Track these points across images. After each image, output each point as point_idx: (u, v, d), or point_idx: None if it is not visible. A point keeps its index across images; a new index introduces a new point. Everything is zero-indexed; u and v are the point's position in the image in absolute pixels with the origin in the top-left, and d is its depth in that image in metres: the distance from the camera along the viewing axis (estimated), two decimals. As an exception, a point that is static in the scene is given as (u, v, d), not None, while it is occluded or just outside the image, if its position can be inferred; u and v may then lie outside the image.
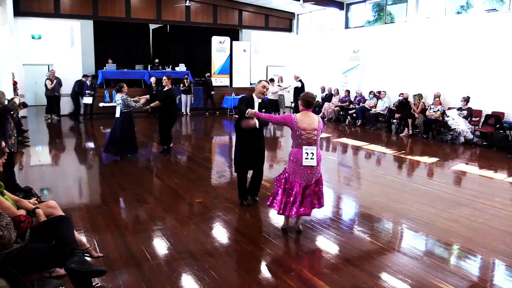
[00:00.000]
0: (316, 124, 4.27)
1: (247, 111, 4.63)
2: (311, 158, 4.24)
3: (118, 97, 7.93)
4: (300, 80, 12.88)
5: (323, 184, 4.56)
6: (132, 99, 8.04)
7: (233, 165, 5.72)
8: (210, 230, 4.64)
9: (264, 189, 6.22)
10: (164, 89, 8.54)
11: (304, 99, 4.33)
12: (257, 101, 5.22)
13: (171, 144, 8.91)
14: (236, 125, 5.28)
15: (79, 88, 13.47)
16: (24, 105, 6.81)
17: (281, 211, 4.37)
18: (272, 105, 13.48)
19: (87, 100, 13.49)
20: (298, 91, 12.86)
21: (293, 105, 17.90)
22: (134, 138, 8.35)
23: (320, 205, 4.53)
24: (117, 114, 8.02)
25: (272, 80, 13.79)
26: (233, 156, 5.92)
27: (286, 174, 4.40)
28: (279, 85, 16.56)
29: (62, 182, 6.43)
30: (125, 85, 8.03)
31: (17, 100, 6.01)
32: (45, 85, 13.60)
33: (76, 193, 6.10)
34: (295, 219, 4.55)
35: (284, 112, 16.62)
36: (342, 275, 3.62)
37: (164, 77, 8.38)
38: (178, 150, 9.61)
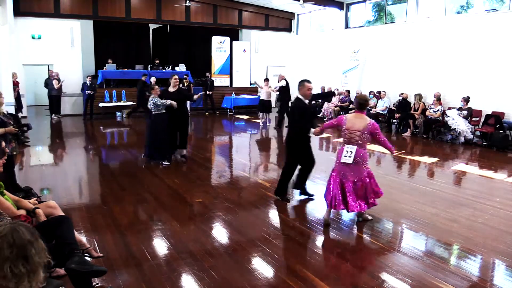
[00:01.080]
0: (361, 126, 4.51)
1: (313, 132, 5.21)
2: (349, 156, 4.53)
3: (150, 100, 7.42)
4: (285, 80, 12.48)
5: (370, 184, 4.71)
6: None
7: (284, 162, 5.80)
8: (210, 230, 4.64)
9: (263, 189, 6.22)
10: (174, 90, 7.75)
11: (356, 101, 4.70)
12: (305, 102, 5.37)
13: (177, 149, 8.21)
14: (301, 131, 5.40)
15: (145, 87, 13.29)
16: (28, 127, 6.52)
17: (329, 204, 4.69)
18: (266, 106, 13.14)
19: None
20: (284, 91, 12.50)
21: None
22: (167, 143, 7.58)
23: (370, 204, 4.71)
24: (152, 118, 7.51)
25: (266, 80, 13.61)
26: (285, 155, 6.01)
27: (332, 173, 4.77)
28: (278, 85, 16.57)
29: (62, 182, 6.43)
30: (156, 86, 7.60)
31: (2, 130, 5.00)
32: (48, 84, 13.61)
33: (76, 193, 6.10)
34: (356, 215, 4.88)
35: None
36: (342, 275, 3.62)
37: (175, 77, 7.73)
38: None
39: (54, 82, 13.46)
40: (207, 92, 15.80)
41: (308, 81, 5.36)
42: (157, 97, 7.38)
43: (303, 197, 5.78)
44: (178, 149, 8.01)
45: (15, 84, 12.46)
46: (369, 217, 4.92)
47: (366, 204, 4.68)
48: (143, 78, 13.84)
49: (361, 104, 4.63)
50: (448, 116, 10.66)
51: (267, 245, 4.18)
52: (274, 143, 11.37)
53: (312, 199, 5.71)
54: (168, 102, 7.39)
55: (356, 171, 4.59)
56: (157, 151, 7.54)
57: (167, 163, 7.53)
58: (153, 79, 14.81)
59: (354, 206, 4.57)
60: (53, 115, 13.96)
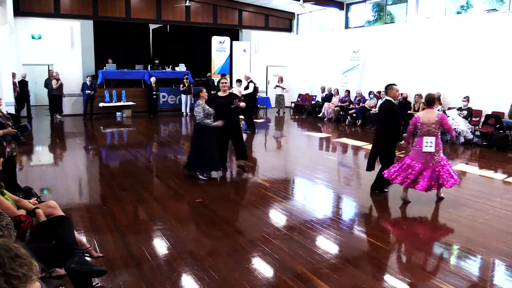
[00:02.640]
0: (434, 119, 5.30)
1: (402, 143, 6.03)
2: (430, 146, 5.29)
3: (197, 105, 6.49)
4: (252, 81, 12.11)
5: (447, 168, 5.40)
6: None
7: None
8: (210, 230, 4.64)
9: (263, 189, 6.22)
10: (225, 94, 6.95)
11: (425, 99, 5.56)
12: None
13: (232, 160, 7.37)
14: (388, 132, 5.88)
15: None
16: (26, 128, 6.22)
17: (390, 178, 5.49)
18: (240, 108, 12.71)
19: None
20: (250, 94, 11.97)
21: (293, 105, 17.93)
22: (215, 154, 6.64)
23: (449, 185, 5.40)
24: (198, 126, 6.59)
25: (239, 81, 13.12)
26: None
27: (409, 160, 5.45)
28: (278, 86, 16.58)
29: (62, 182, 6.43)
30: (204, 89, 6.73)
31: (1, 132, 4.97)
32: (48, 84, 13.63)
33: (76, 193, 6.10)
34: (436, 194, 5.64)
35: (284, 112, 16.65)
36: (342, 275, 3.61)
37: (224, 80, 7.05)
38: (178, 150, 9.62)
39: (53, 82, 13.47)
40: (212, 92, 15.78)
41: (395, 84, 5.96)
42: (204, 103, 6.42)
43: (305, 197, 5.78)
44: (237, 160, 7.34)
45: (15, 85, 12.46)
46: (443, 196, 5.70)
47: (441, 185, 5.43)
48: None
49: (429, 101, 5.50)
50: (448, 116, 10.65)
51: (267, 245, 4.18)
52: (274, 143, 11.37)
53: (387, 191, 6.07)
54: (215, 122, 6.44)
55: (436, 158, 5.33)
56: (204, 162, 6.53)
57: (215, 176, 6.63)
58: (153, 79, 14.85)
59: (423, 187, 5.29)
60: (56, 115, 13.98)
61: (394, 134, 5.89)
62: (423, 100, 11.90)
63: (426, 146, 5.30)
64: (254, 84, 12.47)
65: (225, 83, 6.96)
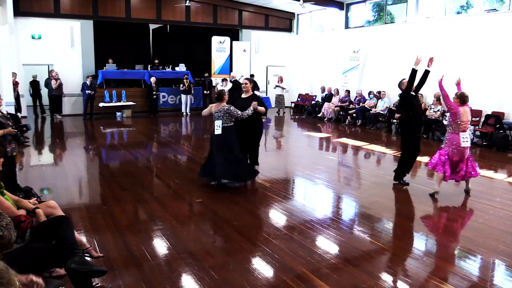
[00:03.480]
0: (469, 116, 5.85)
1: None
2: (467, 141, 5.76)
3: (220, 110, 5.98)
4: (235, 81, 11.83)
5: (472, 160, 6.00)
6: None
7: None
8: (210, 230, 4.64)
9: (263, 188, 6.22)
10: (247, 96, 6.54)
11: (460, 97, 5.95)
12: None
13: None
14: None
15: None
16: (26, 128, 6.12)
17: (432, 168, 5.98)
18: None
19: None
20: (231, 92, 11.78)
21: (293, 105, 17.94)
22: (240, 159, 6.16)
23: (476, 174, 6.01)
24: (218, 131, 5.99)
25: (225, 80, 12.89)
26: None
27: (445, 155, 5.82)
28: (278, 86, 16.60)
29: (62, 182, 6.42)
30: (226, 91, 6.37)
31: (1, 132, 4.91)
32: (48, 84, 13.66)
33: (76, 193, 6.10)
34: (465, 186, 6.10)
35: (284, 112, 16.65)
36: (342, 275, 3.61)
37: (245, 80, 6.63)
38: (178, 150, 9.62)
39: (53, 82, 13.49)
40: (205, 92, 15.79)
41: (405, 79, 6.66)
42: (229, 106, 5.98)
43: (305, 197, 5.78)
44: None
45: (15, 84, 12.47)
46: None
47: (470, 176, 5.98)
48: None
49: (464, 99, 5.93)
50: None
51: (267, 245, 4.18)
52: (274, 143, 11.37)
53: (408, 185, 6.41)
54: (248, 111, 6.02)
55: (467, 151, 5.83)
56: (238, 169, 6.05)
57: (236, 184, 6.12)
58: (153, 79, 14.85)
59: (461, 176, 5.89)
60: (56, 115, 13.99)
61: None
62: (423, 100, 11.92)
63: (464, 142, 5.75)
64: (236, 82, 12.01)
65: (246, 84, 6.52)
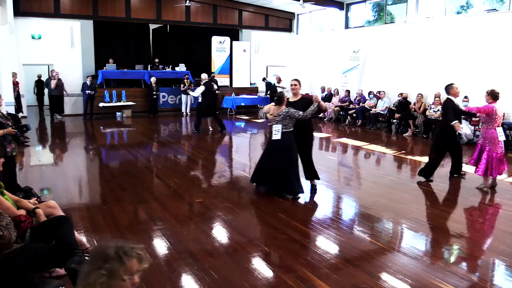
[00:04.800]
0: (502, 111, 6.43)
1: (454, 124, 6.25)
2: (502, 135, 6.14)
3: (280, 114, 5.59)
4: (206, 83, 11.49)
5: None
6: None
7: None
8: (210, 230, 4.64)
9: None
10: (296, 98, 5.91)
11: (491, 94, 6.12)
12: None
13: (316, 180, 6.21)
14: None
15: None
16: (26, 128, 6.03)
17: (483, 174, 6.20)
18: (211, 108, 11.59)
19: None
20: (203, 94, 11.25)
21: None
22: (295, 170, 5.73)
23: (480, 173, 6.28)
24: (276, 136, 5.61)
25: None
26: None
27: (486, 150, 6.12)
28: (277, 86, 16.59)
29: (62, 182, 6.42)
30: (285, 94, 5.93)
31: (1, 132, 4.92)
32: (48, 84, 13.71)
33: (76, 193, 6.10)
34: (489, 181, 6.34)
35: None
36: (342, 275, 3.61)
37: (294, 81, 5.97)
38: (178, 150, 9.62)
39: (52, 82, 13.51)
40: (215, 91, 15.69)
41: (454, 83, 6.56)
42: (289, 108, 5.60)
43: (305, 197, 5.78)
44: (308, 179, 6.18)
45: (15, 84, 12.48)
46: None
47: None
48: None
49: (496, 96, 6.13)
50: None
51: (267, 245, 4.18)
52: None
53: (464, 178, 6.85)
54: (311, 109, 5.52)
55: (501, 146, 6.13)
56: (295, 181, 5.68)
57: (294, 196, 5.69)
58: (153, 79, 14.85)
59: (494, 172, 6.15)
60: (56, 115, 14.02)
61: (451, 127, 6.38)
62: (423, 100, 11.94)
63: (500, 136, 6.09)
64: (207, 84, 11.44)
65: (296, 85, 5.88)
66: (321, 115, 14.49)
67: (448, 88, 6.55)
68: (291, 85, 5.94)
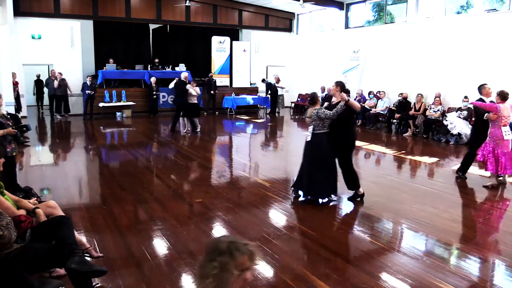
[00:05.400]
0: (510, 112, 6.30)
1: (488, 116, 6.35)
2: (508, 134, 6.25)
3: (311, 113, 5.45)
4: (176, 82, 11.32)
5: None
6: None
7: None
8: (210, 230, 4.64)
9: (263, 189, 6.22)
10: (337, 101, 5.47)
11: (500, 94, 6.32)
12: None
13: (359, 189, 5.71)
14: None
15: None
16: (27, 128, 5.97)
17: (495, 171, 6.29)
18: (195, 109, 11.26)
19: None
20: (182, 97, 11.10)
21: (293, 105, 17.95)
22: (328, 174, 5.45)
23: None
24: (308, 138, 5.49)
25: (194, 82, 11.85)
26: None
27: (491, 147, 6.30)
28: (277, 86, 16.60)
29: (62, 182, 6.42)
30: (318, 95, 5.80)
31: (1, 132, 4.92)
32: (48, 84, 13.75)
33: (76, 193, 6.10)
34: (501, 178, 6.51)
35: (278, 113, 16.68)
36: (342, 275, 3.61)
37: (334, 84, 5.62)
38: (178, 150, 9.62)
39: (55, 82, 13.57)
40: (211, 92, 15.73)
41: (487, 84, 6.74)
42: (320, 108, 5.44)
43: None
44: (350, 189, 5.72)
45: (15, 84, 12.49)
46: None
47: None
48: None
49: (505, 96, 6.33)
50: (447, 120, 10.64)
51: (267, 245, 4.18)
52: (274, 143, 11.37)
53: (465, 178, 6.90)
54: (339, 108, 5.20)
55: (508, 145, 6.27)
56: (327, 184, 5.47)
57: (322, 198, 5.56)
58: (153, 79, 14.84)
59: (507, 169, 6.28)
60: (57, 115, 14.06)
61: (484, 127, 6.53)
62: (423, 100, 11.94)
63: (506, 135, 6.24)
64: (176, 83, 11.36)
65: (338, 88, 5.46)
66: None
67: (481, 88, 6.71)
68: (336, 87, 5.54)
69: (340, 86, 5.43)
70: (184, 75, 11.60)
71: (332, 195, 5.60)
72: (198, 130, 11.46)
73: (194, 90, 11.12)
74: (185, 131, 11.49)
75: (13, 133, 5.06)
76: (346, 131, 5.48)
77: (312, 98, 5.56)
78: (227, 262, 1.64)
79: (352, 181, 5.60)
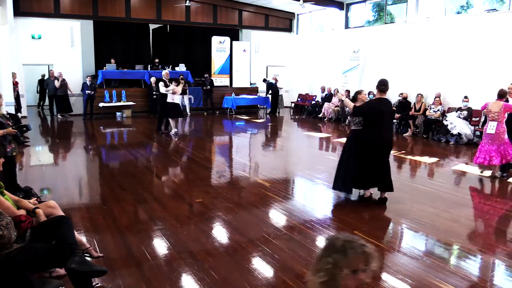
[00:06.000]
0: (498, 108, 6.79)
1: None
2: (491, 129, 6.86)
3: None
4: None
5: (509, 147, 6.83)
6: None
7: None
8: (210, 230, 4.64)
9: (263, 189, 6.22)
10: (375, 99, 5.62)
11: (498, 93, 6.93)
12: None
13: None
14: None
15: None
16: (27, 128, 5.96)
17: (482, 162, 7.01)
18: (174, 109, 10.84)
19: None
20: (162, 96, 10.93)
21: (293, 105, 17.96)
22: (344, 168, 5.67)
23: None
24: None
25: (174, 81, 11.03)
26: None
27: (482, 144, 7.11)
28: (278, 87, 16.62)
29: (62, 182, 6.43)
30: (363, 91, 5.93)
31: (1, 132, 4.93)
32: (48, 84, 13.75)
33: (76, 193, 6.10)
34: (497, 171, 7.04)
35: (279, 112, 16.70)
36: (342, 275, 3.61)
37: (363, 93, 5.83)
38: (178, 150, 9.62)
39: (56, 82, 13.57)
40: (204, 88, 15.71)
41: None
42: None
43: (305, 197, 5.78)
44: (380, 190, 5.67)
45: (15, 84, 12.49)
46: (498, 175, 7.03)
47: (505, 159, 6.85)
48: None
49: (501, 95, 6.93)
50: (447, 120, 10.65)
51: (267, 245, 4.18)
52: (274, 143, 11.37)
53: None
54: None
55: (499, 139, 6.82)
56: (338, 178, 5.76)
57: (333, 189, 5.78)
58: (153, 79, 14.84)
59: (495, 161, 6.84)
60: (58, 115, 14.07)
61: None
62: (423, 100, 11.94)
63: (489, 129, 6.88)
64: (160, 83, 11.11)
65: (364, 94, 5.78)
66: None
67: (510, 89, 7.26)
68: (362, 95, 5.74)
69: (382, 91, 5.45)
70: (164, 72, 11.29)
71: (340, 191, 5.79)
72: (172, 132, 10.94)
73: (164, 88, 10.59)
74: (166, 131, 11.10)
75: (13, 133, 5.06)
76: (366, 131, 5.44)
77: (355, 96, 5.76)
78: (340, 260, 1.64)
79: (385, 180, 5.53)
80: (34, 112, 15.26)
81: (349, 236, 1.74)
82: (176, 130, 11.07)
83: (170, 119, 11.04)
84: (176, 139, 10.62)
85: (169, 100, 10.70)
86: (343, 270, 1.62)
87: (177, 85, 10.73)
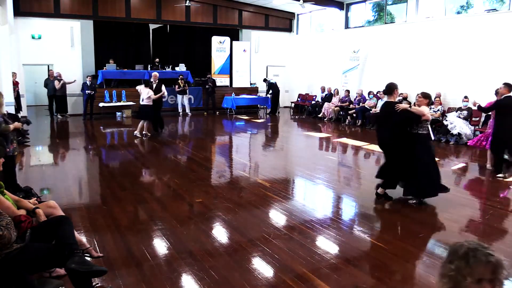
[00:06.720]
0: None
1: None
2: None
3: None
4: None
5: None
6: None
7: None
8: (210, 230, 4.64)
9: (263, 189, 6.22)
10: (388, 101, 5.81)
11: (497, 92, 7.47)
12: None
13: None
14: None
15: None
16: (27, 122, 6.06)
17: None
18: (148, 111, 10.47)
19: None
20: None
21: (293, 105, 17.96)
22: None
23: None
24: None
25: (146, 84, 10.60)
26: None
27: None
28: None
29: (62, 182, 6.42)
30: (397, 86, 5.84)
31: (12, 126, 5.08)
32: (48, 84, 13.75)
33: (76, 193, 6.10)
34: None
35: (278, 112, 16.70)
36: (342, 275, 3.61)
37: (397, 90, 5.95)
38: (178, 150, 9.62)
39: (57, 82, 13.58)
40: (206, 86, 15.69)
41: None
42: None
43: (305, 197, 5.78)
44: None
45: (15, 84, 12.49)
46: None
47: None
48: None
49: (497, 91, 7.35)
50: (447, 120, 10.64)
51: (267, 245, 4.18)
52: (274, 143, 11.37)
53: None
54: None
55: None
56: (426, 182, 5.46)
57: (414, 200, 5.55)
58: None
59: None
60: (58, 115, 14.08)
61: None
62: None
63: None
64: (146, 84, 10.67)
65: (419, 97, 5.87)
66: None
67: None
68: (396, 92, 5.89)
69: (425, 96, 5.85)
70: (153, 74, 11.15)
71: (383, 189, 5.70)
72: (138, 133, 10.59)
73: (143, 90, 10.32)
74: (144, 132, 10.69)
75: (20, 126, 5.22)
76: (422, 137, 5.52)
77: (388, 90, 5.80)
78: (462, 268, 1.61)
79: (434, 185, 5.50)
80: (34, 112, 15.24)
81: (475, 243, 1.67)
82: (144, 132, 10.70)
83: (143, 121, 10.72)
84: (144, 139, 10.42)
85: (140, 101, 10.51)
86: (466, 278, 1.58)
87: (145, 87, 10.41)
